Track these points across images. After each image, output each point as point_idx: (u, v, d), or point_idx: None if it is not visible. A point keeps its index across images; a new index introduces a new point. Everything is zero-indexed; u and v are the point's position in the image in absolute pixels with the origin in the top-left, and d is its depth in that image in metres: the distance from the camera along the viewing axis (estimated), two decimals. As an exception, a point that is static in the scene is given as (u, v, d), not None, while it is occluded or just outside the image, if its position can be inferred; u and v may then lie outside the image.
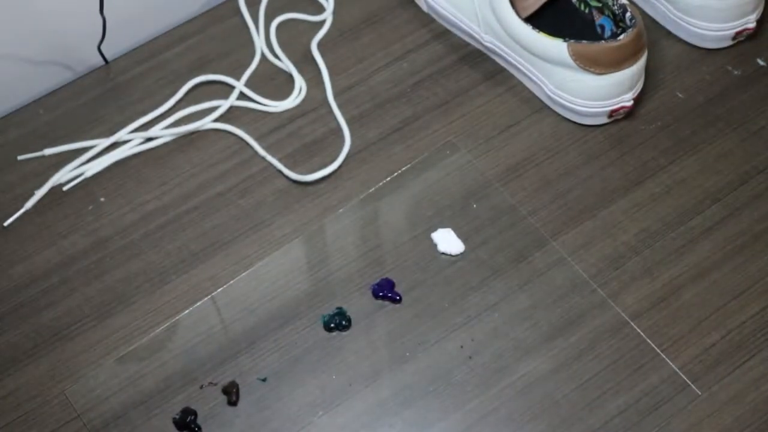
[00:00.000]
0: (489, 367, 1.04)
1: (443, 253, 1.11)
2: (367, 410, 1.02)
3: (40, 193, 1.15)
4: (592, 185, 1.15)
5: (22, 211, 1.15)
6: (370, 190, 1.16)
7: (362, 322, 1.07)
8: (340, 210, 1.14)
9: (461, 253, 1.11)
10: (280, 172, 1.17)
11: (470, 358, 1.05)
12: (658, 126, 1.19)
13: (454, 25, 1.25)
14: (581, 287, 1.09)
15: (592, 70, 1.14)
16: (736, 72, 1.23)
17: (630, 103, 1.17)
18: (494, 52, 1.23)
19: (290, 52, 1.26)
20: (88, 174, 1.17)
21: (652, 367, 1.04)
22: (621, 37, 1.12)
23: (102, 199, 1.16)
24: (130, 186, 1.17)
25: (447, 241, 1.11)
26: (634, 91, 1.17)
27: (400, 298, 1.08)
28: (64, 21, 1.22)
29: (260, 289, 1.10)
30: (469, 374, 1.04)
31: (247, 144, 1.19)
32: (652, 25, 1.26)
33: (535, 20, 1.20)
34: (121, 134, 1.19)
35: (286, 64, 1.24)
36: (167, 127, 1.20)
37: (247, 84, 1.23)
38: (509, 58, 1.21)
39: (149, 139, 1.20)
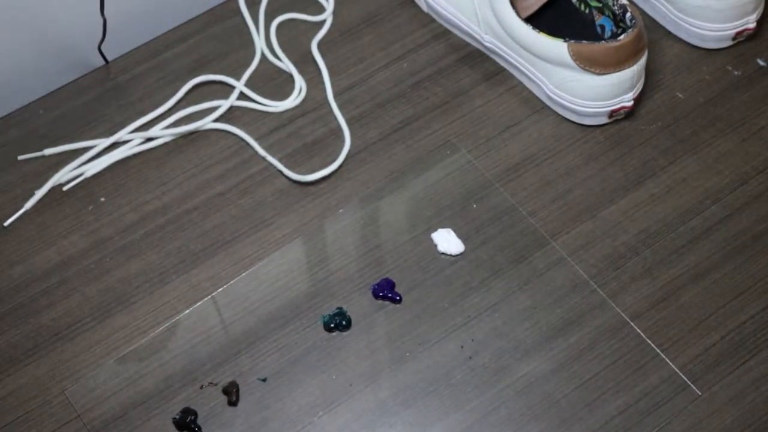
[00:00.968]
0: (489, 367, 1.04)
1: (443, 253, 1.11)
2: (367, 410, 1.02)
3: (40, 193, 1.15)
4: (592, 185, 1.15)
5: (22, 211, 1.15)
6: (370, 190, 1.16)
7: (362, 322, 1.07)
8: (340, 210, 1.14)
9: (461, 253, 1.11)
10: (280, 172, 1.17)
11: (470, 358, 1.05)
12: (658, 126, 1.19)
13: (454, 25, 1.25)
14: (581, 287, 1.09)
15: (592, 70, 1.14)
16: (736, 72, 1.23)
17: (630, 104, 1.17)
18: (494, 52, 1.23)
19: (290, 52, 1.26)
20: (88, 174, 1.17)
21: (652, 368, 1.04)
22: (621, 37, 1.12)
23: (102, 199, 1.16)
24: (130, 186, 1.17)
25: (447, 241, 1.11)
26: (634, 91, 1.17)
27: (400, 298, 1.08)
28: (64, 21, 1.22)
29: (260, 289, 1.10)
30: (469, 374, 1.04)
31: (247, 144, 1.19)
32: (652, 25, 1.26)
33: (535, 20, 1.20)
34: (121, 134, 1.19)
35: (286, 64, 1.24)
36: (167, 127, 1.20)
37: (247, 84, 1.23)
38: (509, 58, 1.21)
39: (149, 139, 1.20)
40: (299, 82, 1.23)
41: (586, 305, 1.07)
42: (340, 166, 1.17)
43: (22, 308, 1.09)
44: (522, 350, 1.05)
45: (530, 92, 1.22)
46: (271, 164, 1.18)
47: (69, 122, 1.21)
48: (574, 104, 1.17)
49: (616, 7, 1.16)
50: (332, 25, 1.27)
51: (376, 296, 1.08)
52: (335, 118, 1.20)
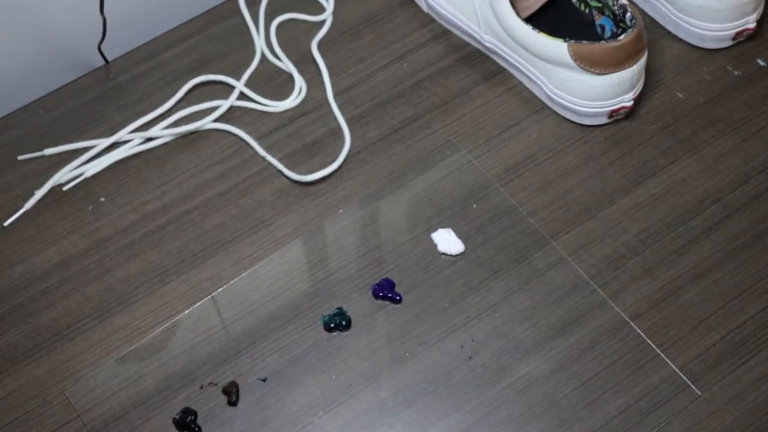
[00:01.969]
0: (489, 367, 1.04)
1: (443, 253, 1.11)
2: (367, 410, 1.02)
3: (40, 193, 1.15)
4: (592, 185, 1.15)
5: (21, 211, 1.15)
6: (370, 190, 1.16)
7: (362, 322, 1.07)
8: (340, 210, 1.14)
9: (461, 253, 1.11)
10: (280, 172, 1.17)
11: (470, 358, 1.05)
12: (658, 126, 1.19)
13: (454, 25, 1.25)
14: (581, 287, 1.09)
15: (592, 70, 1.14)
16: (736, 72, 1.23)
17: (630, 104, 1.17)
18: (494, 52, 1.23)
19: (290, 52, 1.26)
20: (88, 174, 1.17)
21: (652, 368, 1.04)
22: (621, 37, 1.12)
23: (102, 199, 1.16)
24: (130, 186, 1.17)
25: (447, 241, 1.11)
26: (634, 91, 1.17)
27: (400, 298, 1.08)
28: (64, 21, 1.22)
29: (260, 289, 1.10)
30: (469, 374, 1.04)
31: (247, 144, 1.19)
32: (652, 25, 1.26)
33: (535, 20, 1.20)
34: (121, 134, 1.19)
35: (286, 64, 1.24)
36: (167, 127, 1.20)
37: (247, 84, 1.23)
38: (509, 58, 1.21)
39: (149, 139, 1.20)
40: (299, 82, 1.23)
41: (586, 305, 1.07)
42: (340, 166, 1.17)
43: (22, 308, 1.09)
44: (522, 350, 1.05)
45: (530, 92, 1.22)
46: (271, 164, 1.18)
47: (69, 122, 1.21)
48: (574, 104, 1.17)
49: (616, 7, 1.16)
50: (332, 25, 1.27)
51: (376, 296, 1.08)
52: (335, 118, 1.20)
